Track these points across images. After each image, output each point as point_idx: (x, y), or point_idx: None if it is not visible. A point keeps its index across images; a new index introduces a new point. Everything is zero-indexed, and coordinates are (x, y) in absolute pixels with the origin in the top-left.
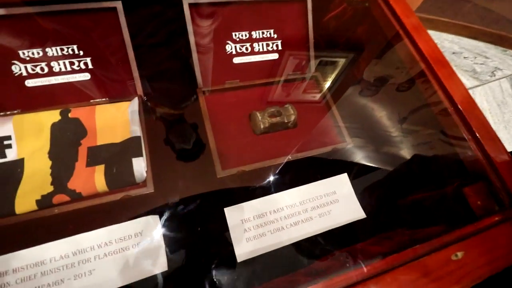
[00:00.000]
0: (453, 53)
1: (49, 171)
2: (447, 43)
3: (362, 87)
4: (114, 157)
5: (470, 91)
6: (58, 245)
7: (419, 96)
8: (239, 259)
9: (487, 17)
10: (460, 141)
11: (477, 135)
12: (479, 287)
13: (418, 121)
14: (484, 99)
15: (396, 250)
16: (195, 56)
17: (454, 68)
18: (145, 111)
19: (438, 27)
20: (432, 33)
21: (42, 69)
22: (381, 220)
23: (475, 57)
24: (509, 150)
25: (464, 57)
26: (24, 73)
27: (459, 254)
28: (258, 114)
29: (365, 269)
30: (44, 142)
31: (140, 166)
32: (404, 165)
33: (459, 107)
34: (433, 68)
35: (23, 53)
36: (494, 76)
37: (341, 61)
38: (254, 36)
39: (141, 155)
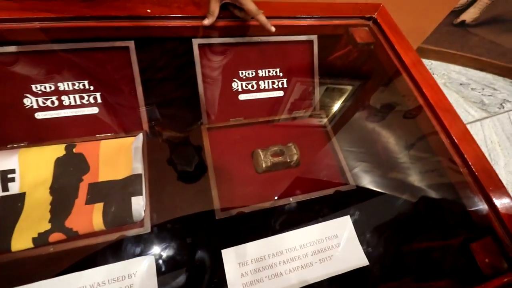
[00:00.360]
0: (461, 84)
1: (49, 207)
2: (455, 74)
3: (368, 114)
4: (114, 195)
5: (479, 123)
6: (51, 283)
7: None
8: None
9: (494, 50)
10: (466, 192)
11: (483, 184)
12: None
13: (426, 149)
14: (493, 131)
15: None
16: (201, 93)
17: (462, 100)
18: (149, 144)
19: (445, 58)
20: (439, 64)
21: (52, 102)
22: (385, 269)
23: (483, 89)
24: None
25: (472, 89)
26: (35, 106)
27: None
28: (261, 153)
29: None
30: (47, 176)
31: (139, 205)
32: (410, 209)
33: (466, 158)
34: (432, 104)
35: (36, 87)
36: (503, 108)
37: (344, 96)
38: (260, 74)
39: (141, 194)
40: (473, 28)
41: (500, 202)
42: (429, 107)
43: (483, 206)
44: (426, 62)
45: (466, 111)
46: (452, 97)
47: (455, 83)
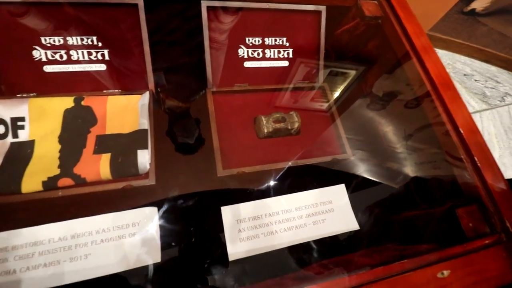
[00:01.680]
0: (465, 75)
1: (58, 154)
2: (460, 65)
3: (370, 101)
4: (121, 147)
5: (478, 114)
6: (58, 227)
7: (425, 114)
8: (231, 258)
9: (502, 42)
10: (459, 164)
11: (476, 159)
12: None
13: (423, 140)
14: (492, 123)
15: (384, 263)
16: (208, 56)
17: (464, 90)
18: (155, 106)
19: (451, 48)
20: (445, 53)
21: (61, 56)
22: (374, 234)
23: (486, 81)
24: (510, 176)
25: (475, 80)
26: (44, 59)
27: (445, 272)
28: (263, 119)
29: (350, 279)
30: (56, 126)
31: (144, 158)
32: (403, 182)
33: (461, 130)
34: (439, 90)
35: (45, 40)
36: (504, 101)
37: (350, 74)
38: (266, 43)
39: (147, 148)
40: (483, 17)
41: (490, 175)
42: (431, 84)
43: (473, 179)
44: None
45: (467, 102)
46: (455, 87)
47: (459, 74)
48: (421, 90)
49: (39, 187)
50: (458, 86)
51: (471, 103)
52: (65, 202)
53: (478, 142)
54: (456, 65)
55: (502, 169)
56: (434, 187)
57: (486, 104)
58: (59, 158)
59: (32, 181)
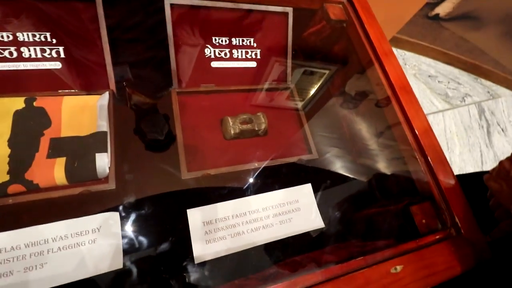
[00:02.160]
0: (429, 76)
1: (7, 159)
2: (425, 66)
3: (343, 100)
4: (77, 151)
5: (441, 114)
6: (10, 235)
7: (393, 114)
8: (197, 260)
9: (463, 46)
10: (415, 163)
11: (429, 158)
12: None
13: (394, 137)
14: (453, 122)
15: (344, 260)
16: (172, 55)
17: (429, 91)
18: (117, 103)
19: (417, 50)
20: (411, 55)
21: (10, 53)
22: (338, 231)
23: (449, 82)
24: (471, 171)
25: (439, 81)
26: None
27: (398, 267)
28: (230, 120)
29: (308, 277)
30: (5, 129)
31: (103, 161)
32: (367, 180)
33: (416, 131)
34: (397, 93)
35: None
36: (464, 101)
37: (318, 75)
38: (234, 43)
39: (106, 151)
40: (446, 22)
41: (442, 174)
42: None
43: (426, 177)
44: (400, 52)
45: (431, 102)
46: (420, 88)
47: (424, 75)
48: (384, 92)
49: None
50: (423, 87)
51: (435, 103)
52: (17, 210)
53: (432, 142)
54: (422, 66)
55: (462, 165)
56: (395, 184)
57: (448, 104)
58: (9, 163)
59: None
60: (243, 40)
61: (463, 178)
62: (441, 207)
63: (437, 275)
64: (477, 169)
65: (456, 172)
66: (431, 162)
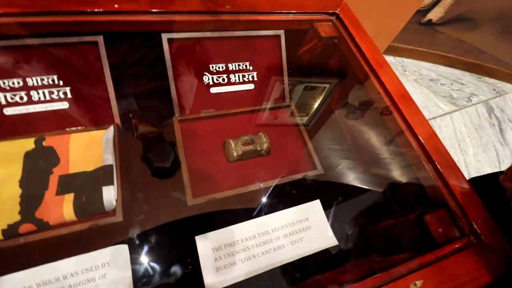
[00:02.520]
0: (431, 80)
1: (18, 200)
2: (425, 71)
3: (346, 111)
4: (85, 186)
5: (448, 116)
6: (23, 276)
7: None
8: None
9: (460, 47)
10: (424, 170)
11: (437, 164)
12: None
13: (398, 147)
14: (462, 123)
15: (360, 279)
16: (173, 86)
17: (432, 94)
18: (121, 138)
19: (416, 56)
20: (410, 61)
21: (21, 97)
22: (352, 248)
23: (452, 84)
24: (489, 171)
25: (441, 84)
26: (3, 102)
27: (418, 283)
28: (232, 142)
29: None
30: (16, 170)
31: (110, 194)
32: (376, 193)
33: (420, 138)
34: (396, 102)
35: (3, 83)
36: (471, 101)
37: (319, 90)
38: (230, 68)
39: (112, 184)
40: (440, 26)
41: (452, 179)
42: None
43: (437, 184)
44: (398, 60)
45: (436, 105)
46: (423, 92)
47: (426, 79)
48: (383, 101)
49: None
50: (426, 91)
51: (440, 105)
52: (28, 249)
53: (438, 147)
54: (422, 71)
55: (478, 166)
56: (405, 193)
57: (455, 106)
58: (20, 203)
59: None
60: (239, 65)
61: (479, 181)
62: (456, 214)
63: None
64: (495, 169)
65: (473, 174)
66: (439, 168)
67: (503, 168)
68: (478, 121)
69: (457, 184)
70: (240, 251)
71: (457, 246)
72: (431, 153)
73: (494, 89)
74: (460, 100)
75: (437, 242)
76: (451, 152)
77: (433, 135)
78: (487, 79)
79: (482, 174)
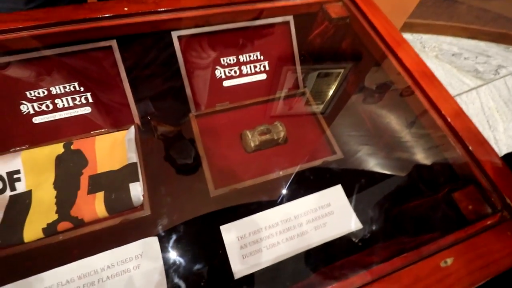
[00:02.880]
0: (453, 54)
1: (54, 200)
2: (446, 45)
3: (364, 95)
4: (113, 184)
5: (474, 91)
6: (64, 270)
7: (418, 102)
8: (236, 276)
9: (484, 17)
10: (451, 148)
11: (465, 141)
12: None
13: (426, 125)
14: (490, 98)
15: (387, 259)
16: (186, 83)
17: (455, 70)
18: (142, 137)
19: (434, 31)
20: (429, 36)
21: (47, 106)
22: (377, 230)
23: (476, 57)
24: None
25: (465, 58)
26: (32, 111)
27: (449, 260)
28: (248, 133)
29: (353, 281)
30: (49, 173)
31: (137, 190)
32: (400, 174)
33: (446, 116)
34: (417, 80)
35: (30, 94)
36: (498, 74)
37: (333, 76)
38: (241, 60)
39: (138, 180)
40: None
41: (482, 154)
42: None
43: (466, 161)
44: (416, 36)
45: (460, 81)
46: (445, 68)
47: (447, 54)
48: (404, 81)
49: (40, 234)
50: (448, 67)
51: (465, 81)
52: (67, 245)
53: (465, 123)
54: (443, 46)
55: (509, 142)
56: (433, 173)
57: (481, 80)
58: (56, 203)
59: (33, 230)
60: (250, 56)
61: (510, 158)
62: (487, 190)
63: (495, 264)
64: None
65: (504, 151)
66: (468, 145)
67: None
68: (508, 94)
69: (487, 159)
70: (264, 238)
71: (489, 222)
72: (459, 130)
73: None
74: (487, 73)
75: (467, 220)
76: (480, 129)
77: (461, 112)
78: None
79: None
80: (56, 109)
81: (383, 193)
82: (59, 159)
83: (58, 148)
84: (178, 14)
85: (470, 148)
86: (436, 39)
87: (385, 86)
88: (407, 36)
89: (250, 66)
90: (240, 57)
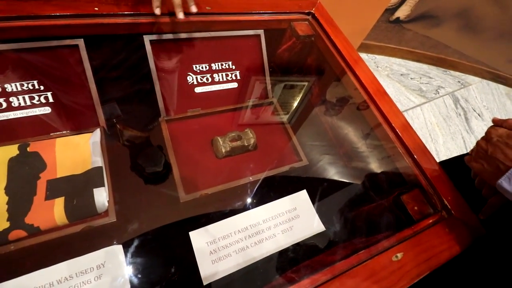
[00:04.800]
0: (401, 74)
1: (6, 207)
2: (396, 66)
3: (325, 108)
4: (75, 189)
5: (419, 108)
6: (13, 284)
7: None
8: (205, 281)
9: (427, 43)
10: (400, 157)
11: (411, 150)
12: (420, 285)
13: (377, 138)
14: (432, 114)
15: (345, 257)
16: (157, 87)
17: (403, 88)
18: (109, 140)
19: (386, 52)
20: (382, 57)
21: (0, 104)
22: (338, 232)
23: (421, 78)
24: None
25: (411, 78)
26: None
27: (399, 255)
28: (220, 139)
29: (316, 278)
30: (0, 177)
31: (101, 196)
32: (358, 180)
33: (395, 127)
34: (372, 96)
35: None
36: (438, 93)
37: (296, 87)
38: (214, 68)
39: (103, 185)
40: (407, 24)
41: (425, 162)
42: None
43: (412, 168)
44: (371, 56)
45: (407, 98)
46: (395, 86)
47: (397, 74)
48: (360, 96)
49: None
50: (397, 85)
51: (411, 98)
52: (20, 255)
53: (411, 136)
54: (393, 67)
55: (448, 153)
56: (385, 180)
57: (424, 98)
58: (7, 210)
59: None
60: (222, 64)
61: (448, 163)
62: (429, 193)
63: (438, 257)
64: None
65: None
66: (413, 154)
67: None
68: (446, 111)
69: (429, 167)
70: (234, 243)
71: (431, 221)
72: (406, 141)
73: (459, 81)
74: (429, 92)
75: (414, 219)
76: (423, 142)
77: (407, 126)
78: (452, 72)
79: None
80: (10, 108)
81: (343, 197)
82: (12, 162)
83: (11, 150)
84: (152, 19)
85: (416, 157)
86: (388, 60)
87: (344, 100)
88: (363, 55)
89: (222, 74)
90: (213, 65)
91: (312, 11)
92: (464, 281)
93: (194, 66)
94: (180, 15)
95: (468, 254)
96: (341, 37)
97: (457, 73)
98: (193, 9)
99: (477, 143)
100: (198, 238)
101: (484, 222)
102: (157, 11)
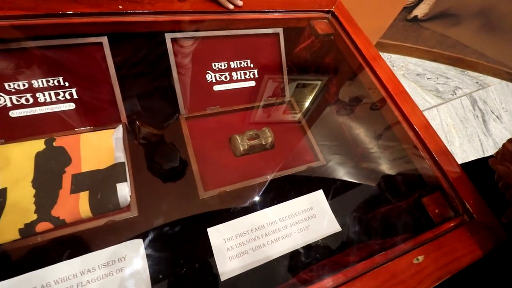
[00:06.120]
0: (417, 74)
1: (33, 199)
2: (412, 66)
3: (338, 107)
4: (99, 183)
5: (435, 109)
6: (41, 274)
7: (389, 115)
8: (222, 277)
9: (445, 42)
10: (420, 157)
11: (432, 151)
12: None
13: (393, 137)
14: (448, 115)
15: (365, 258)
16: (177, 85)
17: (419, 89)
18: (130, 136)
19: (402, 51)
20: (398, 57)
21: (27, 100)
22: (356, 232)
23: (437, 78)
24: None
25: (427, 78)
26: (9, 104)
27: (420, 258)
28: (238, 138)
29: (336, 278)
30: (28, 171)
31: (124, 191)
32: (376, 180)
33: (415, 127)
34: (391, 94)
35: (9, 85)
36: (455, 94)
37: (314, 86)
38: (232, 66)
39: (125, 180)
40: (425, 22)
41: (446, 164)
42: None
43: (432, 169)
44: (386, 55)
45: (423, 99)
46: (411, 87)
47: (413, 74)
48: (378, 94)
49: (16, 235)
50: (413, 85)
51: (427, 99)
52: (46, 247)
53: (432, 136)
54: (409, 66)
55: (464, 156)
56: (403, 181)
57: (441, 99)
58: (35, 203)
59: (8, 230)
60: (240, 63)
61: (466, 167)
62: (451, 196)
63: (459, 261)
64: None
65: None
66: (434, 155)
67: None
68: (463, 113)
69: (450, 169)
70: (250, 240)
71: (452, 224)
72: (427, 141)
73: (477, 82)
74: (446, 93)
75: (434, 222)
76: None
77: (428, 125)
78: (470, 72)
79: (468, 161)
80: (36, 103)
81: (360, 198)
82: (39, 156)
83: (38, 144)
84: (173, 17)
85: (437, 158)
86: (404, 59)
87: (360, 99)
88: None
89: (240, 73)
90: (232, 63)
91: (332, 9)
92: (485, 287)
93: (213, 64)
94: (230, 6)
95: (490, 259)
96: (361, 36)
97: (475, 74)
98: (239, 3)
99: (504, 145)
100: (216, 234)
101: (506, 226)
102: (230, 6)
